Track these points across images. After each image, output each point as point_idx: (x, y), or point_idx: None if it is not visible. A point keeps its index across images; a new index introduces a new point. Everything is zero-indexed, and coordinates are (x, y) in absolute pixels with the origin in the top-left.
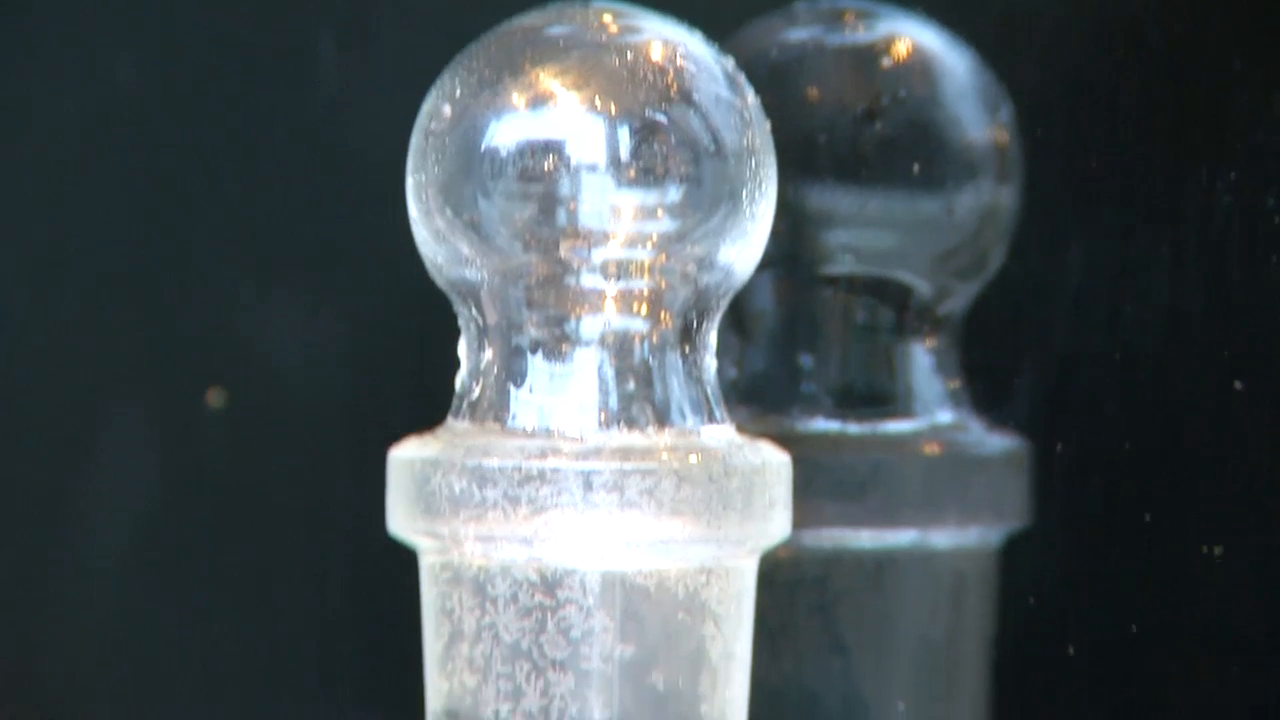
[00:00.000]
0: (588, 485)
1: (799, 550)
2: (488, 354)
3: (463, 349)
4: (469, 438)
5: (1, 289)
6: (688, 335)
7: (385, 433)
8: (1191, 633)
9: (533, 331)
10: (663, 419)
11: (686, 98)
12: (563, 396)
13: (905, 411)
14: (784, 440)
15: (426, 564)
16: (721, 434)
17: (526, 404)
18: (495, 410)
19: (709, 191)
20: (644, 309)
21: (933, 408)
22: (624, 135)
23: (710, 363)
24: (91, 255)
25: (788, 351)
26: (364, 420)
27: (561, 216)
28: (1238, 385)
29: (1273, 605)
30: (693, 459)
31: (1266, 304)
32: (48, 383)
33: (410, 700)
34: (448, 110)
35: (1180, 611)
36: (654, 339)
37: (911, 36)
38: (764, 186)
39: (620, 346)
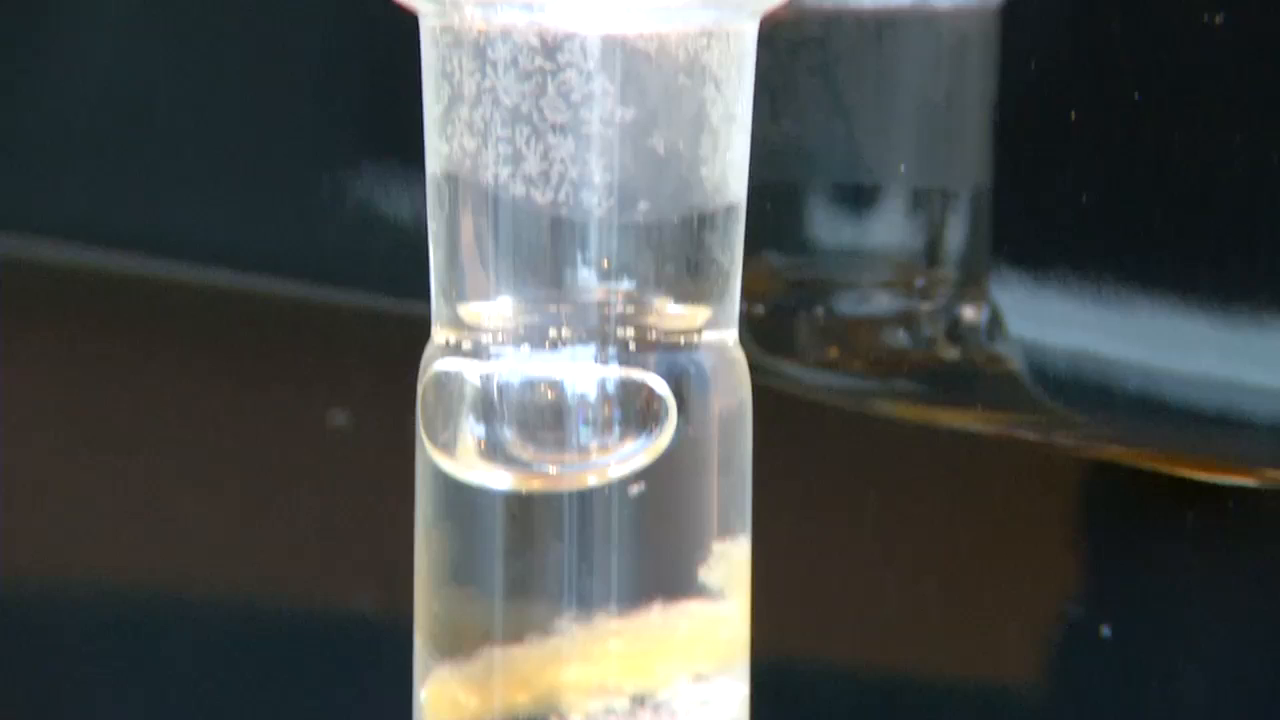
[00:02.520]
0: None
1: (800, 11)
2: None
3: None
4: None
5: None
6: None
7: None
8: (1192, 101)
9: None
10: None
11: None
12: None
13: None
14: None
15: (427, 27)
16: None
17: None
18: None
19: None
20: None
21: None
22: None
23: None
24: None
25: None
26: None
27: None
28: None
29: (1273, 70)
30: None
31: None
32: None
33: (409, 159)
34: None
35: (1181, 80)
36: None
37: None
38: None
39: None
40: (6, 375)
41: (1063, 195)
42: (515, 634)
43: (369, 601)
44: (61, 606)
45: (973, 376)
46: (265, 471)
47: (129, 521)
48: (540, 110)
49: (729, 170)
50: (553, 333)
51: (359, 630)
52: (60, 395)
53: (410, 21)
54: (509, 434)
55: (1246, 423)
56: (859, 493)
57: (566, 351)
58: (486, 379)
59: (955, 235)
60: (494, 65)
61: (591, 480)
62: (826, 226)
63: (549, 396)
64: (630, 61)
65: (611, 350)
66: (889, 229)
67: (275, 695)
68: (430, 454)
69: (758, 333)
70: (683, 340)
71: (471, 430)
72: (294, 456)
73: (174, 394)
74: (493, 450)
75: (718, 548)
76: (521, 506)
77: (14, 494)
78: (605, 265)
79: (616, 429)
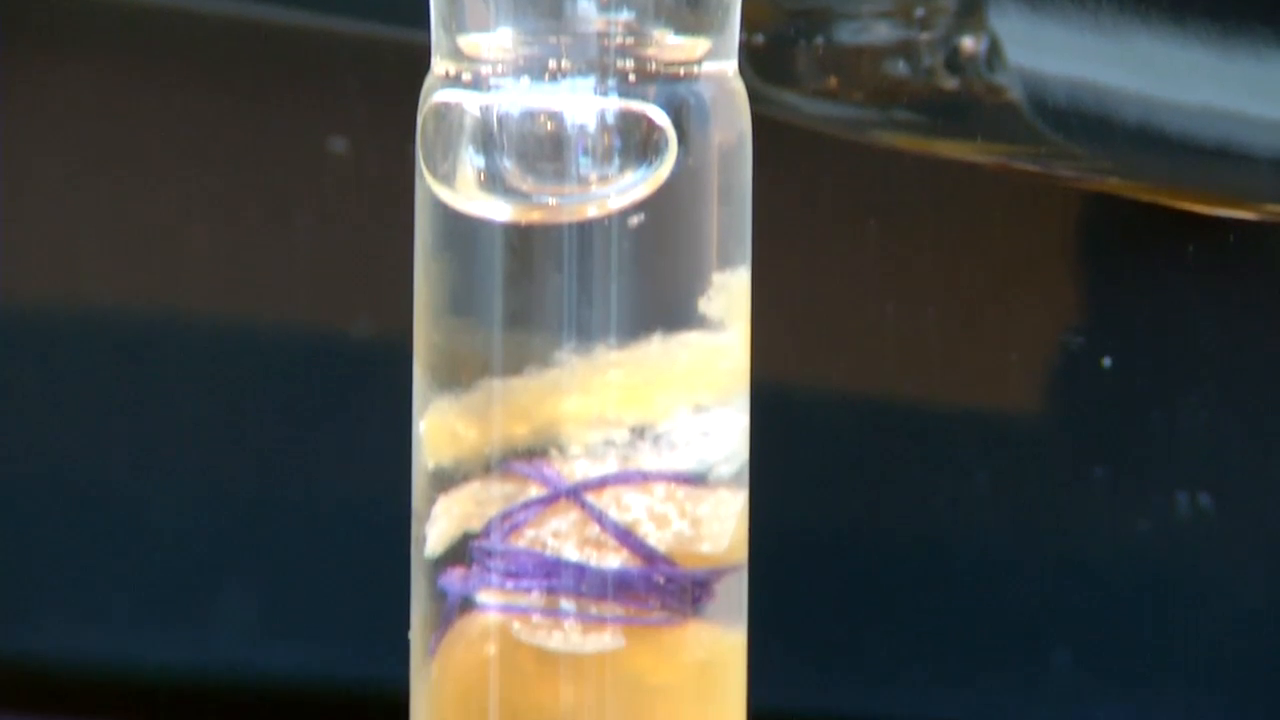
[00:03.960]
0: None
1: None
2: None
3: None
4: None
5: None
6: None
7: None
8: None
9: None
10: None
11: None
12: None
13: None
14: None
15: None
16: None
17: None
18: None
19: None
20: None
21: None
22: None
23: None
24: None
25: None
26: None
27: None
28: None
29: None
30: None
31: None
32: None
33: None
34: None
35: None
36: None
37: None
38: None
39: None
40: (10, 102)
41: None
42: (515, 366)
43: (367, 328)
44: (62, 328)
45: (972, 107)
46: (265, 197)
47: (129, 246)
48: None
49: None
50: (552, 64)
51: (357, 356)
52: (62, 122)
53: None
54: (508, 165)
55: (1246, 155)
56: (859, 223)
57: (566, 83)
58: (486, 110)
59: None
60: None
61: (591, 211)
62: None
63: (548, 127)
64: None
65: (611, 81)
66: None
67: (273, 420)
68: (430, 185)
69: (757, 63)
70: (682, 71)
71: (471, 161)
72: (294, 183)
73: (174, 120)
74: (492, 181)
75: (717, 278)
76: (521, 238)
77: (16, 217)
78: None
79: (616, 160)
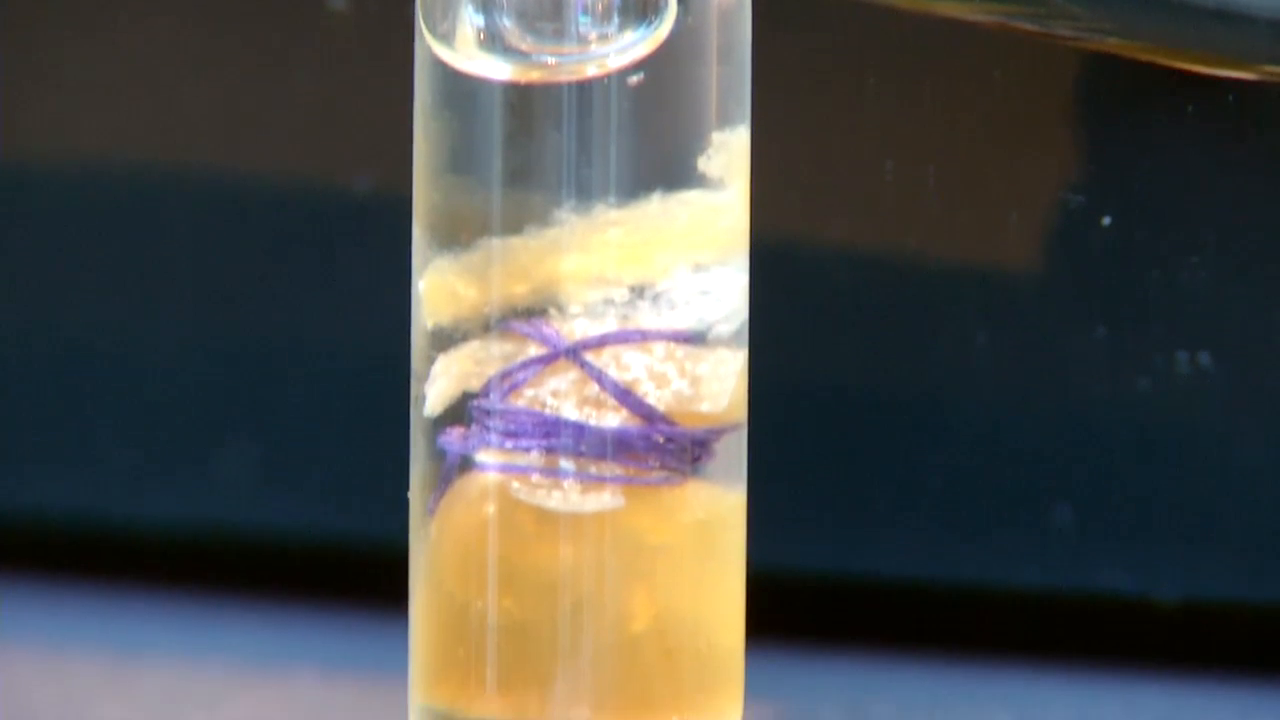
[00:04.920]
0: None
1: None
2: None
3: None
4: None
5: None
6: None
7: None
8: None
9: None
10: None
11: None
12: None
13: None
14: None
15: None
16: None
17: None
18: None
19: None
20: None
21: None
22: None
23: None
24: None
25: None
26: None
27: None
28: None
29: None
30: None
31: None
32: None
33: None
34: None
35: None
36: None
37: None
38: None
39: None
40: None
41: None
42: (514, 225)
43: (367, 185)
44: (59, 182)
45: None
46: (263, 54)
47: (130, 102)
48: None
49: None
50: None
51: (357, 214)
52: None
53: None
54: (508, 24)
55: (1245, 15)
56: (858, 81)
57: None
58: None
59: None
60: None
61: (590, 71)
62: None
63: None
64: None
65: None
66: None
67: (272, 277)
68: (429, 44)
69: None
70: None
71: (470, 20)
72: (293, 40)
73: None
74: (491, 41)
75: (717, 137)
76: (520, 97)
77: (10, 71)
78: None
79: (615, 19)
